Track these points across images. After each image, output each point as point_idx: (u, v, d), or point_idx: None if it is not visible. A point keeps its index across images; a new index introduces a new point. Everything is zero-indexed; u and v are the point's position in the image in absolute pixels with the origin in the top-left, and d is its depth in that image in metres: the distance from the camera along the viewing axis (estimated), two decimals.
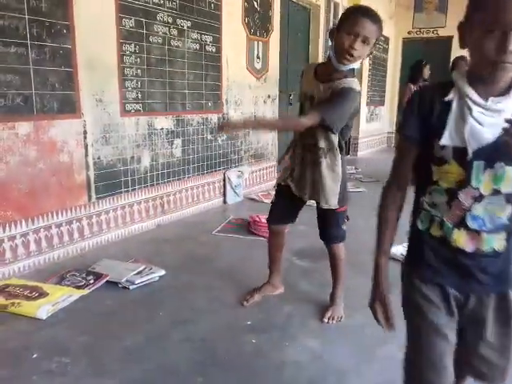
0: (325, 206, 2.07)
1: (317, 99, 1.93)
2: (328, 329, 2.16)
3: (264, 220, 3.53)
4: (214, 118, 4.23)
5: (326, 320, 2.19)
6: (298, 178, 2.12)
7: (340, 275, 2.27)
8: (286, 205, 2.25)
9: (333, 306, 2.26)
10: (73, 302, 2.35)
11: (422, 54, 7.24)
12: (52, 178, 2.83)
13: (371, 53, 1.88)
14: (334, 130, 1.88)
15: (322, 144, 2.00)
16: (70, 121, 2.89)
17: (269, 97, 5.05)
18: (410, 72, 5.69)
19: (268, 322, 2.20)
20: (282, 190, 2.23)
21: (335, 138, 1.99)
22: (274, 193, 2.36)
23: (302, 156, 2.09)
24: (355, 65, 1.85)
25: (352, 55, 1.79)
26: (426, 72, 5.51)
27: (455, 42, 8.78)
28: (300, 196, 2.14)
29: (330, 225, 2.15)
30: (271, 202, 2.37)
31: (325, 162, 2.01)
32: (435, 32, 9.11)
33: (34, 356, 1.90)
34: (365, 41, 1.79)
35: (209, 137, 4.20)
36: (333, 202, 2.06)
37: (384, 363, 1.91)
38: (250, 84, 4.74)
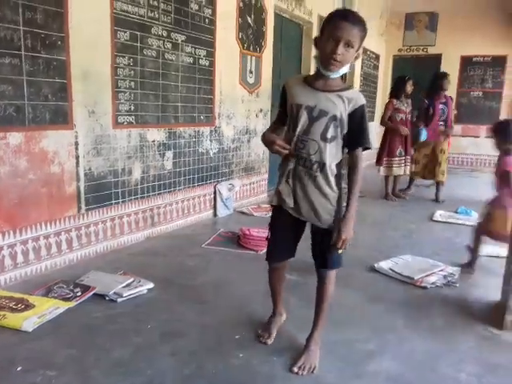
0: (318, 225, 1.92)
1: (318, 108, 1.82)
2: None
3: (254, 233, 3.56)
4: (206, 130, 4.26)
5: (295, 370, 1.91)
6: (292, 196, 1.93)
7: (324, 314, 2.05)
8: (284, 237, 2.03)
9: (307, 352, 1.99)
10: (59, 315, 2.33)
11: (412, 71, 7.37)
12: (42, 189, 2.82)
13: (358, 55, 1.83)
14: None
15: (318, 157, 1.85)
16: (61, 132, 2.90)
17: (261, 111, 5.09)
18: (393, 87, 5.81)
19: (256, 337, 2.19)
20: (277, 215, 2.03)
21: (333, 152, 1.86)
22: (264, 206, 2.27)
23: (294, 171, 1.91)
24: (344, 70, 1.81)
25: (336, 60, 1.75)
26: (409, 87, 5.58)
27: (444, 59, 8.97)
28: (297, 216, 1.94)
29: (325, 248, 1.93)
30: (267, 239, 2.09)
31: (319, 178, 1.87)
32: (425, 50, 9.29)
33: (19, 369, 1.88)
34: (348, 44, 1.74)
35: (200, 150, 4.22)
36: (327, 222, 1.91)
37: (373, 378, 1.91)
38: (242, 98, 4.78)
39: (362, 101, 1.84)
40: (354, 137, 1.86)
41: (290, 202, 1.93)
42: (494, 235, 3.09)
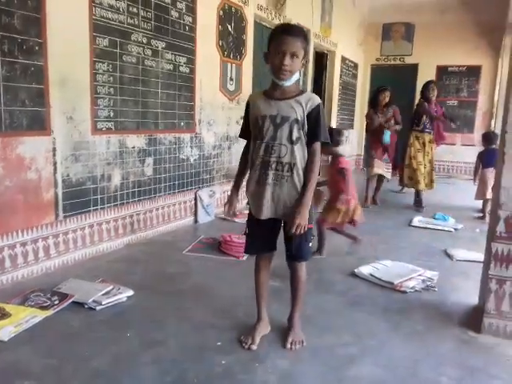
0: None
1: (280, 115, 2.01)
2: (297, 349, 2.16)
3: (236, 239, 3.55)
4: (186, 137, 4.25)
5: (288, 346, 2.15)
6: (262, 198, 2.06)
7: (300, 297, 2.24)
8: (261, 230, 2.16)
9: (293, 330, 2.21)
10: (37, 324, 2.28)
11: (390, 80, 7.48)
12: (18, 196, 2.76)
13: (305, 62, 2.03)
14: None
15: (288, 159, 2.02)
16: (39, 138, 2.85)
17: (242, 118, 5.08)
18: (370, 98, 5.91)
19: (238, 343, 2.19)
20: (252, 216, 2.16)
21: (300, 151, 2.03)
22: (245, 212, 2.33)
23: (265, 174, 2.04)
24: (295, 77, 2.01)
25: (286, 70, 1.95)
26: (381, 97, 5.68)
27: (421, 69, 9.16)
28: (271, 216, 2.09)
29: (298, 242, 2.10)
30: (244, 234, 2.27)
31: (291, 178, 2.03)
32: (402, 59, 9.47)
33: None
34: (293, 55, 1.94)
35: (181, 156, 4.20)
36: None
37: (354, 383, 1.92)
38: (223, 105, 4.79)
39: (318, 101, 2.04)
40: (311, 132, 2.04)
41: (261, 208, 2.08)
42: (337, 226, 3.59)
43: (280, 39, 1.95)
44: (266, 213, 2.08)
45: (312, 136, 2.04)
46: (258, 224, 2.14)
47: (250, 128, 2.13)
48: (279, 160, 2.02)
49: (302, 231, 2.01)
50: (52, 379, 1.85)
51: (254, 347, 2.15)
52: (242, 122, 2.31)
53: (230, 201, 2.24)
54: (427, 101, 5.54)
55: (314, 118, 2.01)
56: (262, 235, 2.17)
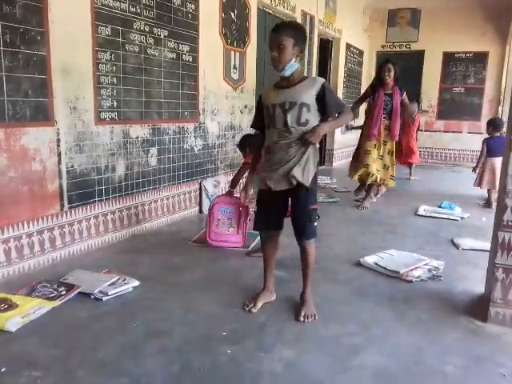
0: (300, 180, 2.23)
1: (288, 101, 2.23)
2: (303, 338, 2.17)
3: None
4: (190, 127, 4.23)
5: (301, 319, 2.27)
6: (276, 171, 2.28)
7: (309, 272, 2.41)
8: (269, 209, 2.38)
9: (305, 305, 2.36)
10: (44, 314, 2.29)
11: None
12: (23, 187, 2.76)
13: (300, 51, 2.24)
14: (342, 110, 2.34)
15: (298, 140, 2.25)
16: (42, 128, 2.84)
17: (246, 107, 5.07)
18: None
19: (243, 333, 2.19)
20: (261, 195, 2.40)
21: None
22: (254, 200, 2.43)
23: (280, 157, 2.26)
24: (291, 66, 2.21)
25: (274, 61, 2.21)
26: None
27: (427, 55, 9.06)
28: (280, 188, 2.28)
29: (303, 220, 2.30)
30: (254, 212, 2.48)
31: (303, 154, 2.24)
32: (408, 46, 9.36)
33: (3, 370, 1.84)
34: (279, 47, 2.18)
35: (185, 146, 4.19)
36: (308, 181, 2.25)
37: (358, 373, 1.92)
38: (226, 94, 4.76)
39: (321, 81, 2.26)
40: (330, 108, 2.27)
41: (275, 184, 2.29)
42: None
43: (269, 37, 2.26)
44: (275, 185, 2.28)
45: (332, 110, 2.28)
46: (265, 202, 2.37)
47: (264, 118, 2.34)
48: (291, 142, 2.23)
49: (309, 143, 2.21)
50: (59, 369, 1.86)
51: (254, 310, 2.38)
52: (246, 111, 2.39)
53: (246, 188, 2.53)
54: (380, 82, 4.81)
55: (324, 97, 2.22)
56: (268, 211, 2.39)
